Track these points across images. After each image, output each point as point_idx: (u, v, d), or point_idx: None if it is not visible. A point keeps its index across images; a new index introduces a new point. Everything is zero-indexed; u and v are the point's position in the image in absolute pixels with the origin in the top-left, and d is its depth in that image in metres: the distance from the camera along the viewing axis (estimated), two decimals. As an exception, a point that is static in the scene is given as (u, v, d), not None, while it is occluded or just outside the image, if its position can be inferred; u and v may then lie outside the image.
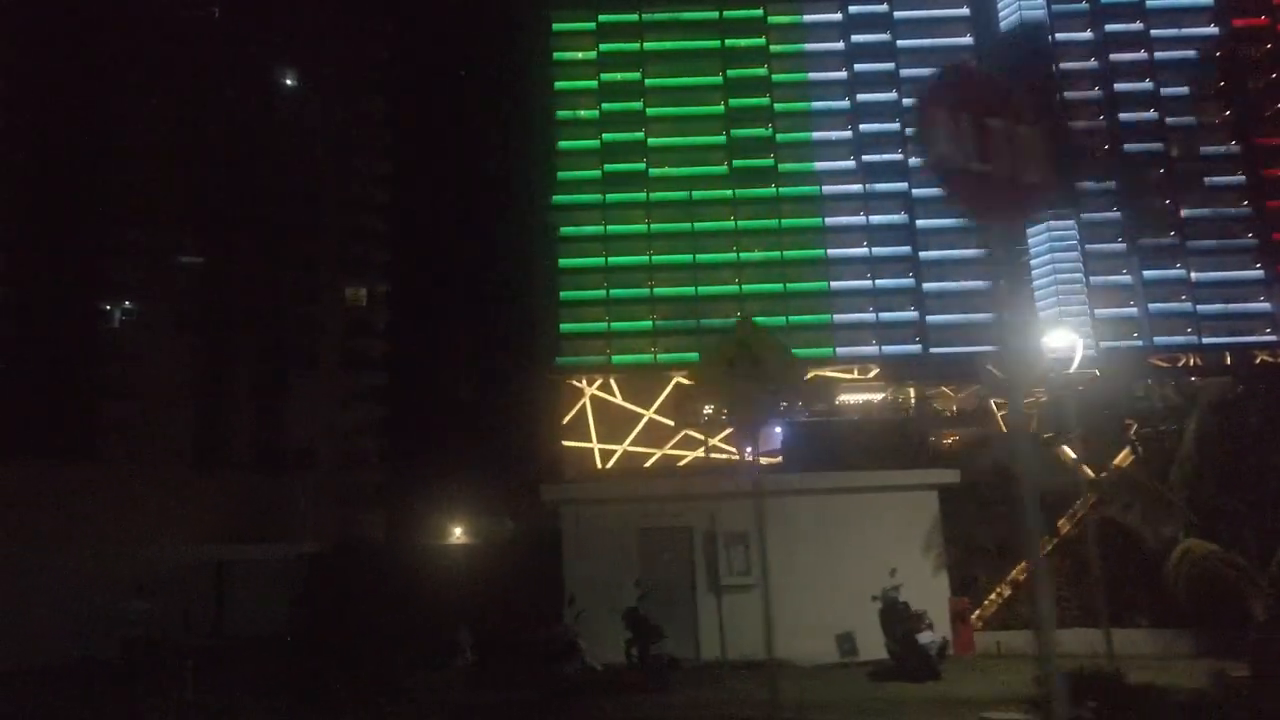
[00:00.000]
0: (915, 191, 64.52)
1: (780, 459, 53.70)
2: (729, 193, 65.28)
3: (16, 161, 56.91)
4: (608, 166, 65.95)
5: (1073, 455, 27.56)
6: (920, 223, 64.13)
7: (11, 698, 15.48)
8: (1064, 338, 26.16)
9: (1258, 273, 63.29)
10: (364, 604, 19.92)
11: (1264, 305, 62.73)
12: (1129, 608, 23.82)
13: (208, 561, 19.76)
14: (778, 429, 49.20)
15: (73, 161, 58.66)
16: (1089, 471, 27.27)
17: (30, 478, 28.43)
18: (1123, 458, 26.29)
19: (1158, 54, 66.24)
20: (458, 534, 48.05)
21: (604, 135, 66.64)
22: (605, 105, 67.21)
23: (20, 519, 25.06)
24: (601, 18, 67.82)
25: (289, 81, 66.24)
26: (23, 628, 16.08)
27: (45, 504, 26.03)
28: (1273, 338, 61.59)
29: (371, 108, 68.04)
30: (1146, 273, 62.84)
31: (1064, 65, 66.04)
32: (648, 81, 67.26)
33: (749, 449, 45.78)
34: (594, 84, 67.61)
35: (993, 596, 22.04)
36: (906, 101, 66.36)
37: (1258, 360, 61.93)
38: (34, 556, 18.25)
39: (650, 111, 66.78)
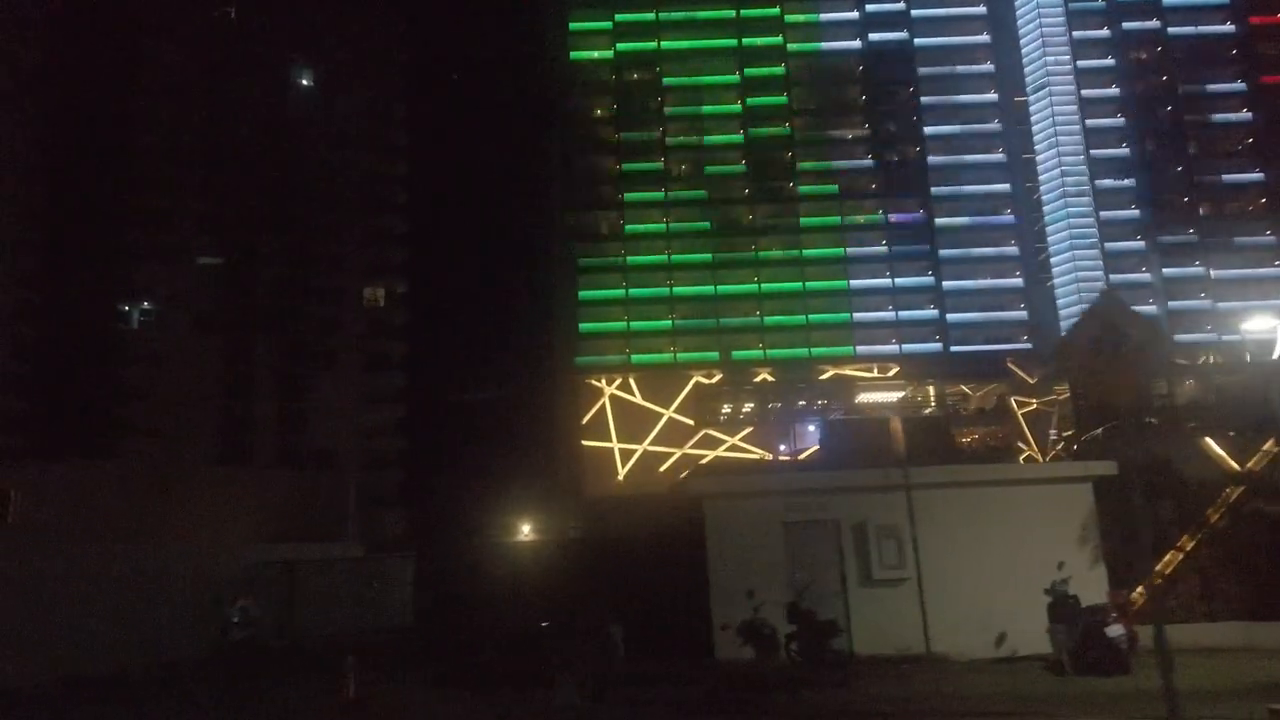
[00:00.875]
0: (933, 189, 64.67)
1: (815, 456, 53.83)
2: (746, 190, 65.33)
3: (40, 164, 57.00)
4: (625, 165, 65.99)
5: (1217, 448, 27.49)
6: (939, 221, 64.18)
7: (173, 696, 15.07)
8: (1264, 322, 25.56)
9: (1277, 270, 63.21)
10: (496, 602, 19.41)
11: (1283, 302, 62.62)
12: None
13: (276, 561, 19.78)
14: (810, 427, 49.32)
15: (95, 164, 58.75)
16: (1234, 464, 27.06)
17: (101, 478, 28.41)
18: (1270, 446, 25.92)
19: (1176, 51, 66.27)
20: (525, 531, 48.24)
21: (622, 134, 66.68)
22: (622, 105, 67.23)
23: (114, 518, 25.12)
24: (618, 17, 67.83)
25: (308, 82, 66.30)
26: (139, 628, 16.13)
27: (132, 503, 26.03)
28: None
29: (390, 108, 68.07)
30: (1167, 271, 62.76)
31: (1080, 63, 65.98)
32: (665, 80, 67.30)
33: (783, 447, 45.73)
34: (611, 83, 67.67)
35: (1139, 590, 21.59)
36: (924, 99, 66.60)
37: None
38: (137, 556, 18.39)
39: (669, 110, 66.81)
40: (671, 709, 14.41)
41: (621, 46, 67.74)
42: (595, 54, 68.11)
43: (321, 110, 66.12)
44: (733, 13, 68.03)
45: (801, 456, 54.68)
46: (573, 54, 68.06)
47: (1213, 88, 65.72)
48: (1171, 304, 62.35)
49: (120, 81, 60.88)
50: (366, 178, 66.28)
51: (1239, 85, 66.13)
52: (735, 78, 67.27)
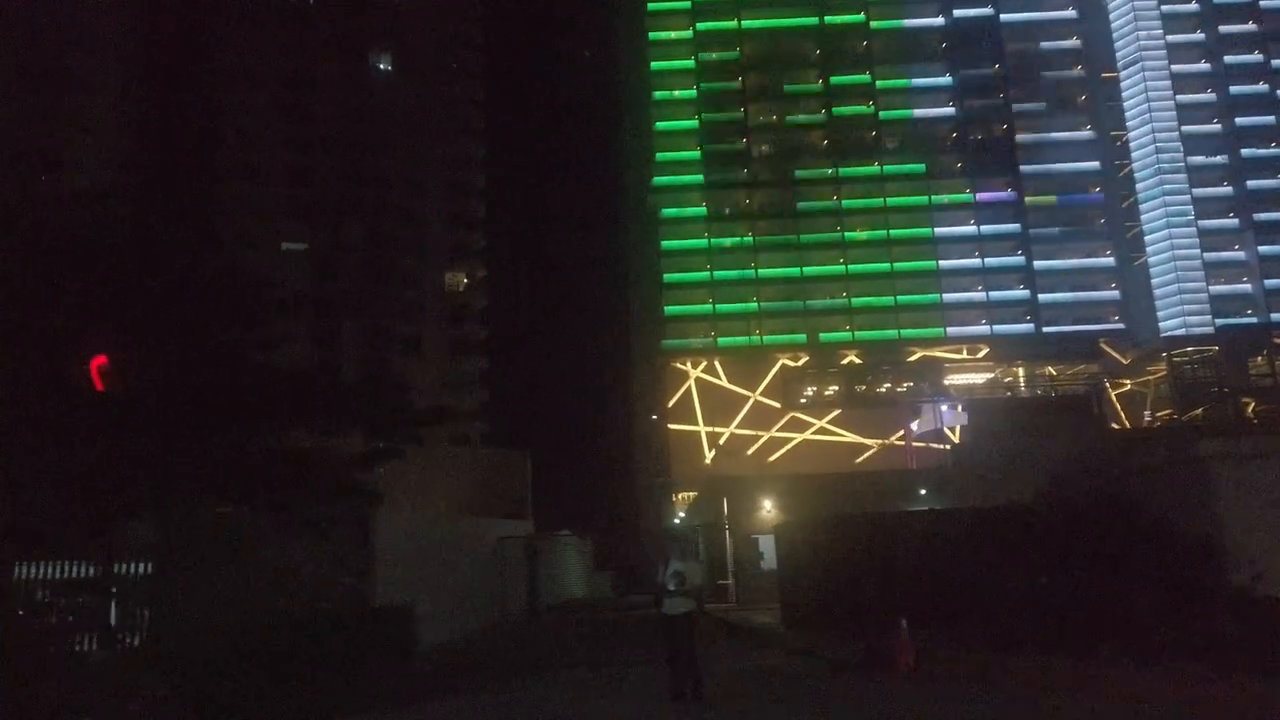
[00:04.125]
0: (1022, 168, 63.67)
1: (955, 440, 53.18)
2: (831, 170, 64.51)
3: (125, 148, 56.92)
4: (707, 146, 65.32)
5: None
6: (1029, 199, 63.23)
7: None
8: None
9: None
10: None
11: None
12: None
13: (521, 536, 19.58)
14: (944, 407, 48.72)
15: (177, 151, 58.61)
16: None
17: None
18: None
19: (1267, 25, 64.88)
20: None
21: (702, 114, 65.93)
22: (702, 85, 66.49)
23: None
24: (698, -7, 66.92)
25: (387, 66, 65.92)
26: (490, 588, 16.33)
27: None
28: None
29: (470, 91, 67.62)
30: (1262, 248, 61.62)
31: (1170, 38, 64.66)
32: (745, 59, 66.45)
33: (914, 426, 44.97)
34: (691, 64, 66.88)
35: None
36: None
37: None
38: (482, 529, 18.74)
39: (750, 89, 65.98)
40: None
41: (701, 26, 66.86)
42: (674, 34, 67.26)
43: (402, 93, 65.71)
44: (813, -11, 67.01)
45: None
46: (651, 34, 67.28)
47: (1308, 61, 64.27)
48: (1268, 282, 61.20)
49: (202, 69, 60.72)
50: (447, 162, 65.89)
51: (1333, 58, 64.69)
52: (817, 56, 66.36)
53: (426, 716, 11.33)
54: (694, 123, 66.01)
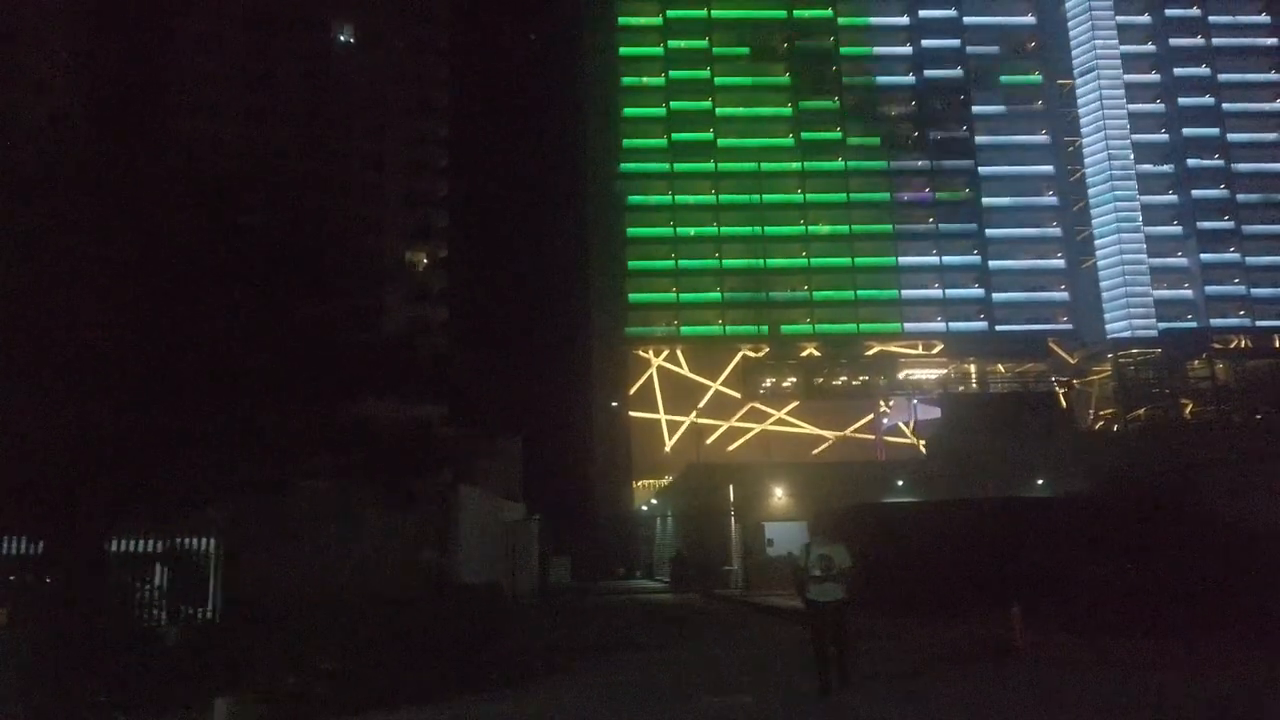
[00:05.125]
0: (981, 169, 65.10)
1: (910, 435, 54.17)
2: (797, 165, 65.07)
3: (77, 130, 54.57)
4: (675, 135, 65.33)
5: None
6: (986, 200, 64.69)
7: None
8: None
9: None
10: None
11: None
12: None
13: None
14: (915, 401, 49.60)
15: (133, 121, 56.40)
16: None
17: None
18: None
19: (1215, 40, 67.27)
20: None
21: (670, 103, 65.91)
22: (672, 73, 66.42)
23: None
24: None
25: (350, 39, 64.33)
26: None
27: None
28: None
29: (434, 68, 66.31)
30: (1204, 256, 64.08)
31: (1123, 48, 66.68)
32: (714, 50, 66.55)
33: (885, 422, 45.79)
34: (660, 50, 66.74)
35: None
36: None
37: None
38: None
39: (717, 80, 66.13)
40: None
41: (671, 13, 66.73)
42: (644, 20, 67.02)
43: (364, 69, 64.22)
44: (781, -15, 67.33)
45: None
46: (620, 19, 66.94)
47: (1252, 77, 66.90)
48: (1208, 289, 63.71)
49: (158, 34, 58.50)
50: (409, 140, 64.68)
51: (1275, 76, 67.49)
52: (785, 49, 66.74)
53: (551, 697, 10.84)
54: (662, 110, 65.98)
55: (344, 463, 11.99)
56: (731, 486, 34.62)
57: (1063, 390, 62.69)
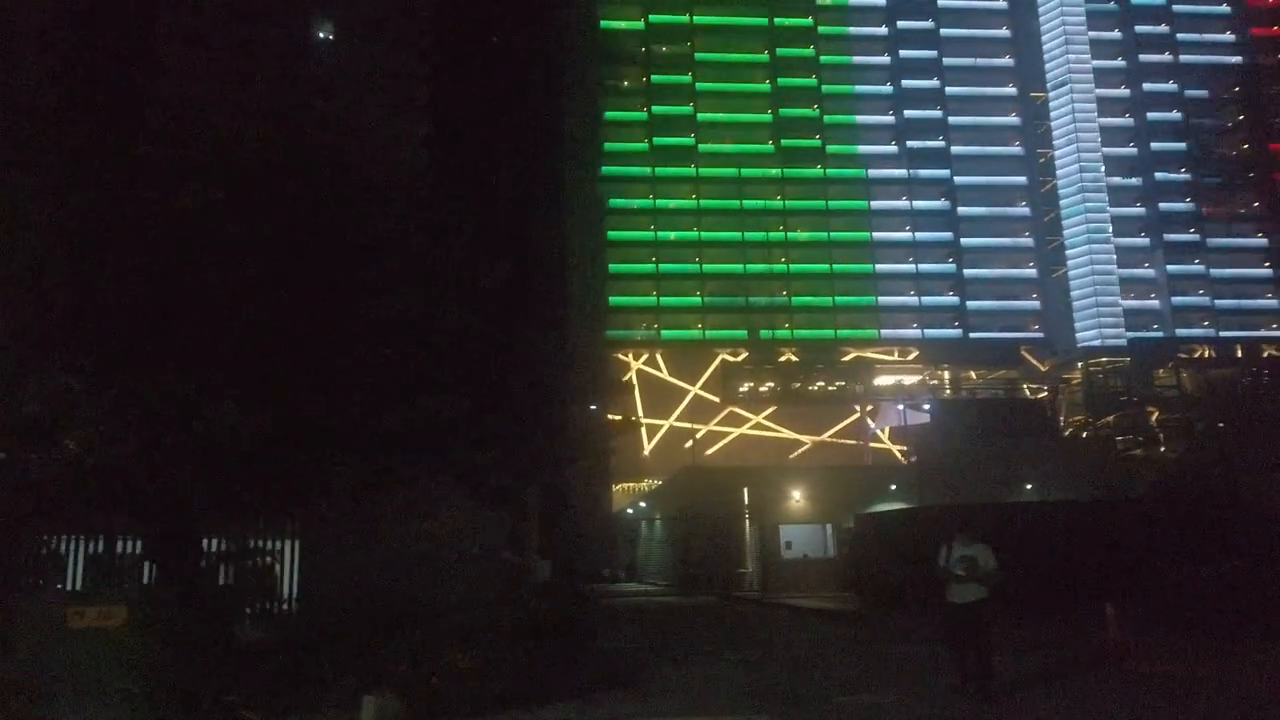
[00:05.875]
0: (957, 179, 66.15)
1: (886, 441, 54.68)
2: (777, 171, 65.65)
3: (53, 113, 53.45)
4: (656, 139, 65.60)
5: None
6: (961, 210, 65.75)
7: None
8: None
9: (1267, 271, 66.72)
10: None
11: (1273, 302, 66.29)
12: None
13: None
14: (899, 406, 50.22)
15: (111, 115, 55.39)
16: None
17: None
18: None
19: (1182, 56, 68.95)
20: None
21: (653, 107, 66.18)
22: (654, 77, 66.69)
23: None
24: (650, -16, 66.96)
25: (329, 36, 63.75)
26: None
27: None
28: (1281, 333, 65.24)
29: (414, 67, 65.95)
30: (1170, 267, 65.67)
31: (1095, 63, 68.15)
32: (696, 55, 66.92)
33: (872, 426, 46.32)
34: (642, 53, 66.97)
35: None
36: (949, 89, 67.83)
37: (1265, 354, 65.66)
38: None
39: (699, 86, 66.48)
40: None
41: (654, 18, 66.96)
42: (627, 24, 67.20)
43: (343, 66, 63.64)
44: (763, -9, 67.91)
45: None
46: (603, 22, 67.01)
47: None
48: (1175, 299, 65.33)
49: (135, 27, 57.52)
50: (389, 139, 64.14)
51: (1238, 91, 69.25)
52: (765, 56, 67.35)
53: (686, 698, 10.75)
54: (643, 115, 66.22)
55: (441, 462, 12.06)
56: (746, 489, 35.02)
57: (1045, 396, 63.96)
